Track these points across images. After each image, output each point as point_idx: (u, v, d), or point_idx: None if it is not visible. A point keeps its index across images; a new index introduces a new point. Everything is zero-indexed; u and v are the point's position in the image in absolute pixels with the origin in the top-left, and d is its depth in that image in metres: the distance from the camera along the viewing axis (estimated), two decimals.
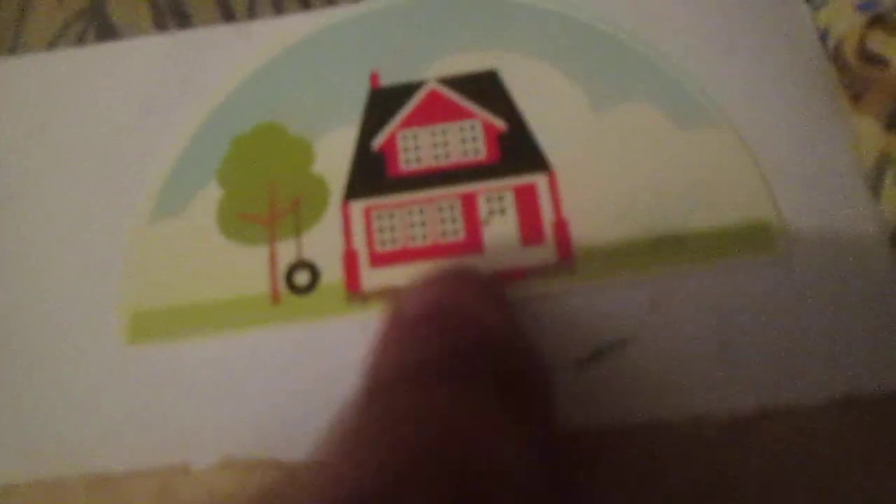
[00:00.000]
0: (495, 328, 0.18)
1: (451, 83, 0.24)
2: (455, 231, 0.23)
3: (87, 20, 0.27)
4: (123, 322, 0.23)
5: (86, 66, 0.26)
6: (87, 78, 0.26)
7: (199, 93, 0.25)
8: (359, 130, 0.24)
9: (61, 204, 0.24)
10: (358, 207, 0.23)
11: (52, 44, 0.27)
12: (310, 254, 0.23)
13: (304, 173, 0.24)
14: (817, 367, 0.20)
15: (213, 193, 0.24)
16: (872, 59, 0.23)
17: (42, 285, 0.24)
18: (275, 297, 0.23)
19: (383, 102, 0.24)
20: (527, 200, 0.23)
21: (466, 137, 0.24)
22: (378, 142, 0.24)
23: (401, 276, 0.22)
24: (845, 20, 0.24)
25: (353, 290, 0.23)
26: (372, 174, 0.24)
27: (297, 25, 0.26)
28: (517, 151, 0.23)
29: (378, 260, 0.23)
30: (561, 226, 0.23)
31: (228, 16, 0.26)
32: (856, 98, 0.23)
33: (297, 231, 0.23)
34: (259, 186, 0.24)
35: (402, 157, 0.24)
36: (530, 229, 0.23)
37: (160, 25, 0.27)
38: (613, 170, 0.23)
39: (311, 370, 0.22)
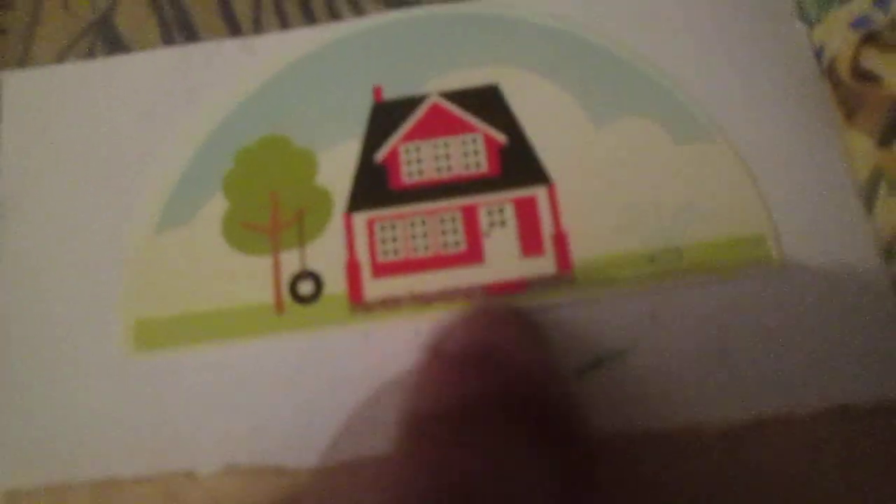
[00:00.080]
0: (533, 372, 0.19)
1: (452, 97, 0.25)
2: (456, 242, 0.23)
3: (95, 34, 0.27)
4: (129, 331, 0.23)
5: (93, 79, 0.27)
6: (95, 90, 0.26)
7: (206, 105, 0.26)
8: (362, 143, 0.25)
9: (67, 214, 0.25)
10: (361, 219, 0.24)
11: (61, 57, 0.27)
12: (313, 264, 0.23)
13: (308, 185, 0.24)
14: (813, 377, 0.21)
15: (218, 204, 0.24)
16: (866, 76, 0.24)
17: (49, 295, 0.24)
18: (279, 307, 0.23)
19: (386, 116, 0.25)
20: (527, 213, 0.23)
21: (468, 150, 0.24)
22: (381, 154, 0.24)
23: (403, 286, 0.23)
24: (840, 38, 0.24)
25: (356, 301, 0.23)
26: (375, 186, 0.24)
27: (302, 40, 0.26)
28: (518, 165, 0.24)
29: (380, 270, 0.23)
30: (560, 238, 0.23)
31: (235, 30, 0.27)
32: (850, 114, 0.23)
33: (301, 242, 0.24)
34: (264, 198, 0.24)
35: (404, 169, 0.24)
36: (530, 241, 0.23)
37: (167, 39, 0.27)
38: (612, 183, 0.23)
39: (314, 379, 0.22)
